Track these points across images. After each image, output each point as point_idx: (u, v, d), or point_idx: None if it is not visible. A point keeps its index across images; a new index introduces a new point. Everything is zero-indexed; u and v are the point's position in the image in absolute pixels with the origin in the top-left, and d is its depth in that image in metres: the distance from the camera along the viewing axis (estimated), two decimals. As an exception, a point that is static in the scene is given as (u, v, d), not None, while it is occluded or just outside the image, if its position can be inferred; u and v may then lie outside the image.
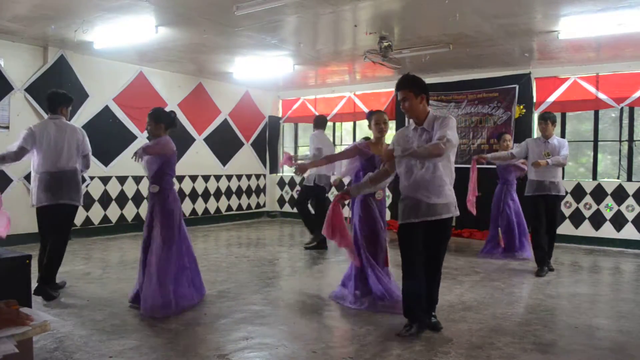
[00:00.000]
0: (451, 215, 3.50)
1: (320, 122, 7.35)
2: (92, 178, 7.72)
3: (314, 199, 7.38)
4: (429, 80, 8.92)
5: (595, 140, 7.84)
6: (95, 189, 7.84)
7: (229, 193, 10.15)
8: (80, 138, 4.72)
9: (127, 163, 7.40)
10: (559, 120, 8.07)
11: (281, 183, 11.10)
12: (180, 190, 9.18)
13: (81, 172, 4.78)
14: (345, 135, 10.60)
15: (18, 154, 4.48)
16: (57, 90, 4.94)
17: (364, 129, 10.39)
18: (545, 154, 5.59)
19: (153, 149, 4.13)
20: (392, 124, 9.88)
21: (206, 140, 9.63)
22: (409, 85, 3.48)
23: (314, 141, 7.15)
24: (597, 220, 7.66)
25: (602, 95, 7.58)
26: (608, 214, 7.58)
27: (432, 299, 3.66)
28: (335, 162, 4.94)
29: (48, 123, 4.65)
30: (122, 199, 8.16)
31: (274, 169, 11.15)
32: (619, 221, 7.49)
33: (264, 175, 11.08)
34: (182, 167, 9.18)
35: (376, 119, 4.43)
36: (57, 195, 4.53)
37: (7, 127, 6.84)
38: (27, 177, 6.93)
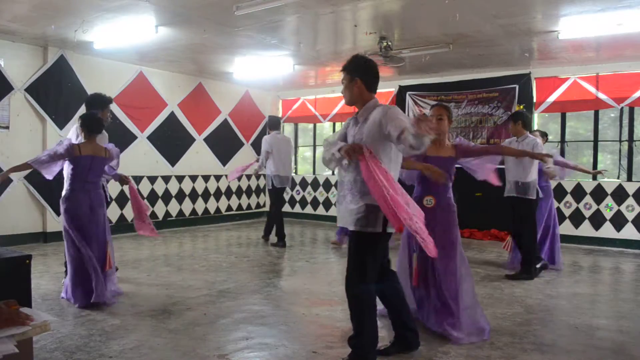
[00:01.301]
0: (359, 230, 2.83)
1: (273, 124, 7.49)
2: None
3: (276, 200, 7.51)
4: (429, 80, 9.13)
5: (595, 140, 7.84)
6: (95, 189, 7.84)
7: (229, 193, 10.15)
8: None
9: (127, 163, 7.39)
10: (559, 120, 8.11)
11: (281, 183, 11.10)
12: (180, 190, 9.19)
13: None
14: (345, 135, 10.59)
15: None
16: (96, 93, 5.12)
17: (364, 129, 10.38)
18: None
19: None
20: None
21: (206, 140, 9.63)
22: (345, 66, 3.01)
23: (263, 144, 7.35)
24: (597, 220, 7.66)
25: (602, 95, 7.58)
26: (608, 214, 7.58)
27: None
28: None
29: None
30: (122, 199, 8.15)
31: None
32: (619, 221, 7.49)
33: (264, 175, 11.06)
34: (182, 167, 9.20)
35: (431, 113, 3.79)
36: None
37: (7, 127, 6.84)
38: (27, 177, 6.95)
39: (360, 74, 2.95)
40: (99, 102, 4.93)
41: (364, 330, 2.89)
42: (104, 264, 4.31)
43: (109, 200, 5.15)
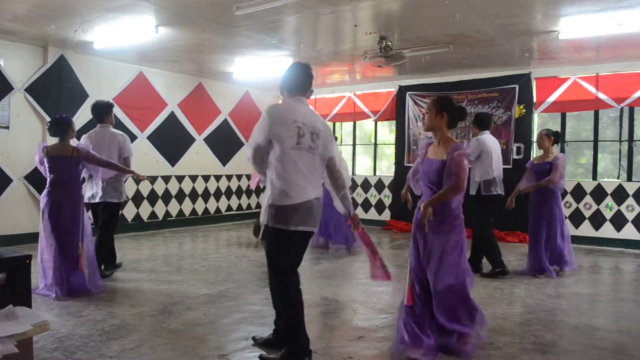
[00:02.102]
0: (272, 226, 3.02)
1: None
2: (92, 178, 7.72)
3: None
4: (429, 80, 9.13)
5: (595, 140, 7.84)
6: (95, 189, 7.84)
7: (229, 193, 10.15)
8: (121, 142, 5.21)
9: (127, 163, 7.38)
10: (559, 120, 8.11)
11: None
12: (180, 190, 9.19)
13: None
14: (345, 136, 10.59)
15: None
16: (99, 100, 5.45)
17: (363, 129, 10.39)
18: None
19: None
20: (391, 126, 9.89)
21: (206, 140, 9.63)
22: None
23: None
24: (597, 220, 7.66)
25: (602, 95, 7.58)
26: (608, 214, 7.58)
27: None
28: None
29: (94, 132, 5.26)
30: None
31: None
32: (619, 221, 7.50)
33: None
34: (182, 167, 9.20)
35: None
36: (102, 195, 5.14)
37: (7, 127, 6.84)
38: (27, 177, 6.95)
39: (282, 84, 3.11)
40: (103, 108, 5.28)
41: (287, 319, 3.14)
42: (76, 263, 4.44)
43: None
